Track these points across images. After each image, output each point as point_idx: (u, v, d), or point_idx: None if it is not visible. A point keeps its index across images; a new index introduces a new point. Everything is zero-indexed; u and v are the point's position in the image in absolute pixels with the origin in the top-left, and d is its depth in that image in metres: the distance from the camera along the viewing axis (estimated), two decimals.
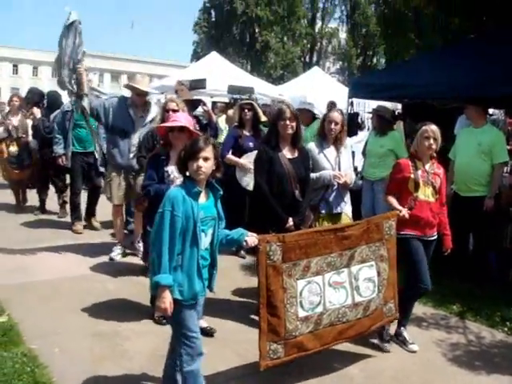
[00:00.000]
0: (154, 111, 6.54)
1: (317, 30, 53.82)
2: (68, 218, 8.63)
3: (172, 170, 4.49)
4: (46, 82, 52.20)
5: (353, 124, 9.18)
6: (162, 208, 3.12)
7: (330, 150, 5.15)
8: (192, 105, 7.34)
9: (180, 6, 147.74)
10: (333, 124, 5.05)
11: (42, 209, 9.36)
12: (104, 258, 6.80)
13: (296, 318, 3.75)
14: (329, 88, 15.50)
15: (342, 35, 53.95)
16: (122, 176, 6.57)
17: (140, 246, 6.81)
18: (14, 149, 9.11)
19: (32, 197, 9.72)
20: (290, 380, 3.96)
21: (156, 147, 5.09)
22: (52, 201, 9.50)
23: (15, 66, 66.89)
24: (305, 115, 8.34)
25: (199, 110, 7.71)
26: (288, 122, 4.74)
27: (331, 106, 10.75)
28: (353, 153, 9.76)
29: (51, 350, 4.18)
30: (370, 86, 7.99)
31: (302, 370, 4.06)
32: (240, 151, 6.92)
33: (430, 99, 7.47)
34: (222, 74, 13.93)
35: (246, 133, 6.97)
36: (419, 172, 4.51)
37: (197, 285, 3.22)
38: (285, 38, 50.46)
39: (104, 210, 7.91)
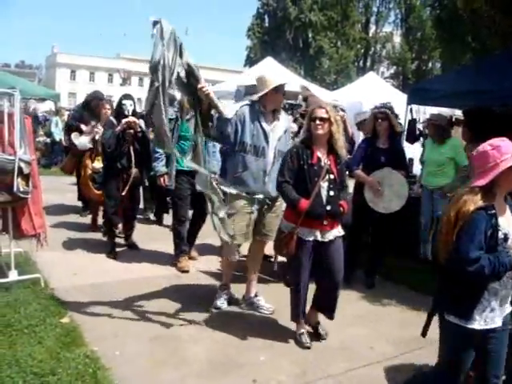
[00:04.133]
0: (285, 120, 5.25)
1: (371, 35, 53.51)
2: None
3: (508, 230, 2.97)
4: (102, 87, 53.53)
5: (412, 131, 9.05)
6: None
7: None
8: None
9: (232, 11, 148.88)
10: None
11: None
12: (162, 262, 6.80)
13: None
14: (384, 93, 15.29)
15: (397, 39, 53.33)
16: (254, 207, 5.04)
17: (259, 299, 5.42)
18: (98, 165, 7.72)
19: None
20: None
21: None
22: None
23: (73, 71, 68.83)
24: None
25: None
26: None
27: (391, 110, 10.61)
28: (411, 160, 9.72)
29: (112, 352, 4.25)
30: (429, 92, 7.84)
31: None
32: (371, 166, 6.07)
33: (494, 106, 7.26)
34: None
35: (380, 145, 6.16)
36: None
37: None
38: (338, 43, 50.26)
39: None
